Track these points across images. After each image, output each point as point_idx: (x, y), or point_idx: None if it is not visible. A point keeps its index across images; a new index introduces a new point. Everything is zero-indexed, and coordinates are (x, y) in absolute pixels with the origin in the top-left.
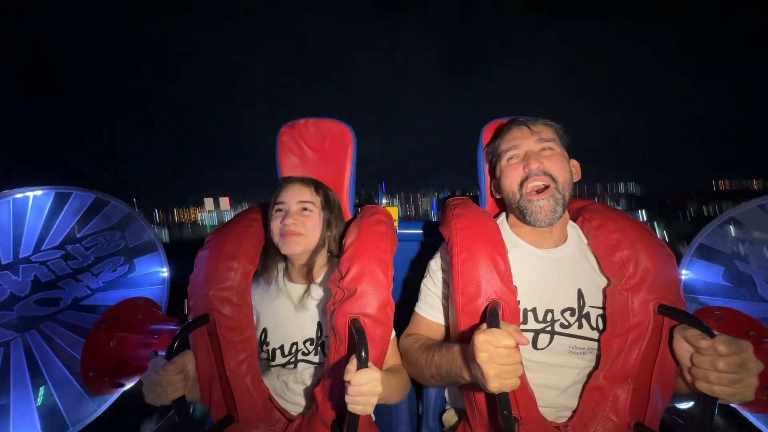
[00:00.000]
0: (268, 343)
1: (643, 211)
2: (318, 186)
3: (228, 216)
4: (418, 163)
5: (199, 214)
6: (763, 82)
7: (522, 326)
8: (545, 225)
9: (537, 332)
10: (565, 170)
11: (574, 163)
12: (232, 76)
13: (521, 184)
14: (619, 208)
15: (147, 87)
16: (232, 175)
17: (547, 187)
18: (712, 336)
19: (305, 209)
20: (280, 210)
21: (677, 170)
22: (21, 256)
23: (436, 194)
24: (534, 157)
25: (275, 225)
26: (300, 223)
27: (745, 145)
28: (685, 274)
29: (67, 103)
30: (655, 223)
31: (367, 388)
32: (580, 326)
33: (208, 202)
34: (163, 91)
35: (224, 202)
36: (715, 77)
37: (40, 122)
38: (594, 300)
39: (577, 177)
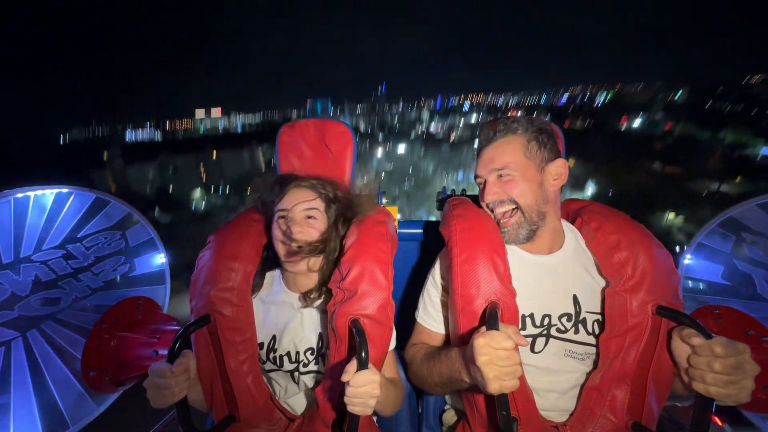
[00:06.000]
0: (275, 350)
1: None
2: (322, 185)
3: (221, 123)
4: (420, 64)
5: (191, 122)
6: None
7: (520, 332)
8: (512, 243)
9: (534, 337)
10: (526, 192)
11: (557, 164)
12: None
13: (488, 207)
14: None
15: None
16: (223, 87)
17: (509, 212)
18: (709, 338)
19: (310, 216)
20: (283, 217)
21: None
22: (22, 255)
23: (440, 96)
24: (488, 189)
25: (278, 234)
26: (305, 232)
27: None
28: (684, 271)
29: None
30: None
31: (365, 390)
32: (576, 331)
33: (199, 113)
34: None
35: (215, 111)
36: None
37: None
38: (591, 305)
39: (559, 182)
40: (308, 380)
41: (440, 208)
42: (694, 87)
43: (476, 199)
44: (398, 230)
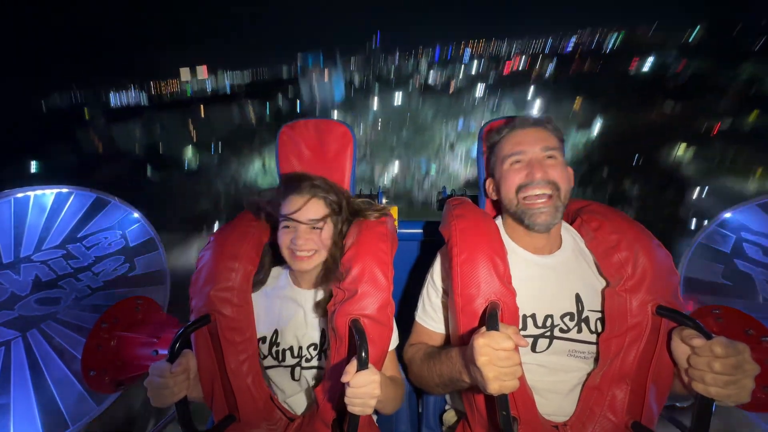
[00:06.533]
0: (278, 344)
1: None
2: (328, 192)
3: (208, 84)
4: (417, 12)
5: (177, 84)
6: None
7: (521, 332)
8: (543, 230)
9: (536, 337)
10: (567, 179)
11: (569, 169)
12: None
13: (519, 189)
14: None
15: None
16: (208, 43)
17: (550, 196)
18: (709, 338)
19: (315, 228)
20: (288, 227)
21: None
22: (22, 255)
23: (439, 46)
24: (538, 166)
25: (284, 241)
26: (311, 240)
27: None
28: (684, 272)
29: None
30: None
31: (365, 390)
32: (579, 330)
33: (184, 72)
34: None
35: (201, 70)
36: None
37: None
38: (593, 304)
39: (571, 184)
40: (309, 376)
41: (440, 208)
42: (712, 25)
43: (476, 200)
44: (398, 230)
